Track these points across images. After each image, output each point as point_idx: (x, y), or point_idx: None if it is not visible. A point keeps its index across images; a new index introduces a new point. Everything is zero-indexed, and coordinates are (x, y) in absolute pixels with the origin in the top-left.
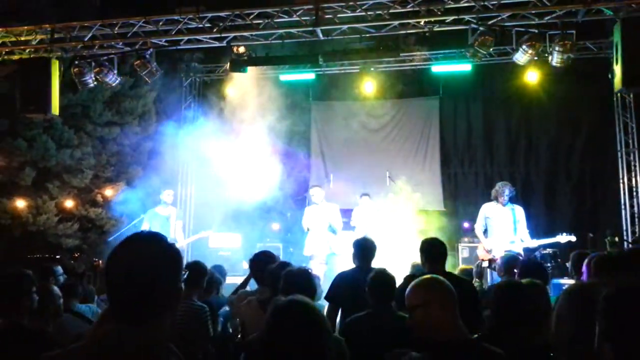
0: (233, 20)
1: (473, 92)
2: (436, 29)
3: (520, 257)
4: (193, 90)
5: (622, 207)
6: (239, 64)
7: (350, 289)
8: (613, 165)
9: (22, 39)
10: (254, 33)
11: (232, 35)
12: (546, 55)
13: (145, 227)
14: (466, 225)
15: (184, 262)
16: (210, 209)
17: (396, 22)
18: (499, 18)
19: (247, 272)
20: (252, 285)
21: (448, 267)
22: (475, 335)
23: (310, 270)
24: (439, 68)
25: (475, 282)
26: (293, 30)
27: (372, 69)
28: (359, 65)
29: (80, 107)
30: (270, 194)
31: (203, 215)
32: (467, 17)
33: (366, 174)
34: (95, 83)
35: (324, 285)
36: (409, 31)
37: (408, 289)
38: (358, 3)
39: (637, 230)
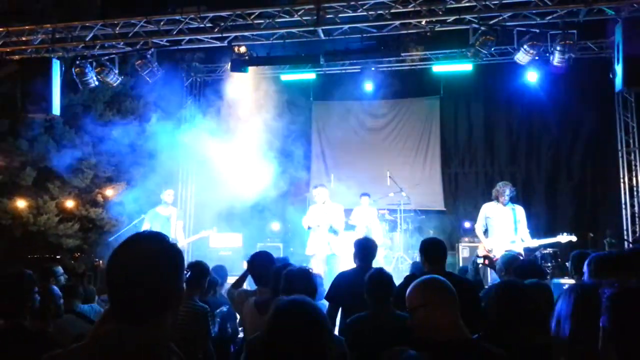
0: (234, 20)
1: (474, 92)
2: (437, 28)
3: (521, 257)
4: (194, 90)
5: (623, 206)
6: (240, 64)
7: (351, 288)
8: (614, 165)
9: (24, 39)
10: (255, 33)
11: (233, 35)
12: (547, 55)
13: (146, 227)
14: (467, 225)
15: (185, 262)
16: (211, 209)
17: (397, 22)
18: (500, 18)
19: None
20: (252, 285)
21: (448, 267)
22: (476, 335)
23: (310, 270)
24: (440, 68)
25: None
26: (294, 30)
27: (373, 68)
28: (359, 65)
29: (81, 107)
30: (271, 194)
31: (203, 215)
32: (468, 17)
33: (367, 173)
34: (96, 83)
35: (324, 285)
36: (410, 31)
37: (409, 289)
38: (359, 3)
39: (637, 229)
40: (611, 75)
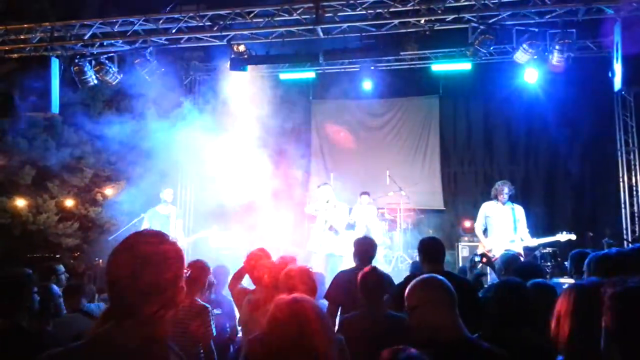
0: (233, 18)
1: (473, 91)
2: (436, 27)
3: (521, 257)
4: (193, 88)
5: (622, 206)
6: (239, 63)
7: (350, 287)
8: (613, 164)
9: (22, 37)
10: (254, 32)
11: (232, 33)
12: (546, 54)
13: (145, 226)
14: (467, 224)
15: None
16: (210, 208)
17: (396, 21)
18: (500, 17)
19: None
20: (252, 286)
21: (447, 266)
22: (476, 335)
23: (310, 269)
24: (439, 67)
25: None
26: (293, 29)
27: (372, 67)
28: (358, 63)
29: (80, 105)
30: (270, 193)
31: (203, 214)
32: (467, 16)
33: (366, 172)
34: (95, 81)
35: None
36: (409, 30)
37: (408, 289)
38: (358, 2)
39: (637, 229)
40: (610, 75)
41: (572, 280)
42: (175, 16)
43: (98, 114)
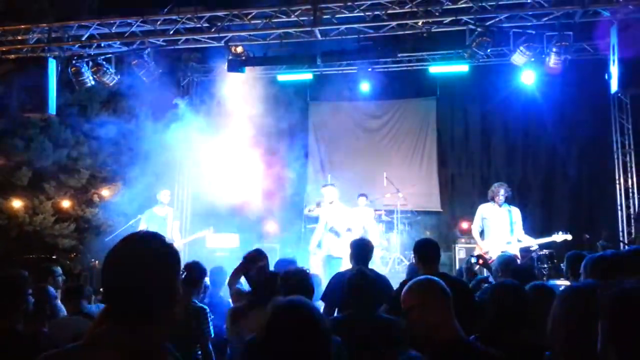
0: (231, 20)
1: (470, 93)
2: (434, 29)
3: (518, 259)
4: (191, 90)
5: (619, 208)
6: (237, 64)
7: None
8: (609, 166)
9: (20, 38)
10: (251, 33)
11: (230, 35)
12: (543, 56)
13: (142, 227)
14: (464, 225)
15: (182, 262)
16: (207, 209)
17: (394, 23)
18: (497, 19)
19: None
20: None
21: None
22: (472, 337)
23: (308, 271)
24: (437, 69)
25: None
26: (291, 31)
27: (369, 69)
28: (356, 65)
29: (77, 106)
30: (267, 195)
31: (200, 216)
32: (464, 18)
33: (363, 174)
34: (92, 83)
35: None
36: (406, 32)
37: (403, 290)
38: (356, 4)
39: (633, 231)
40: (607, 77)
41: (568, 283)
42: (173, 17)
43: (95, 115)
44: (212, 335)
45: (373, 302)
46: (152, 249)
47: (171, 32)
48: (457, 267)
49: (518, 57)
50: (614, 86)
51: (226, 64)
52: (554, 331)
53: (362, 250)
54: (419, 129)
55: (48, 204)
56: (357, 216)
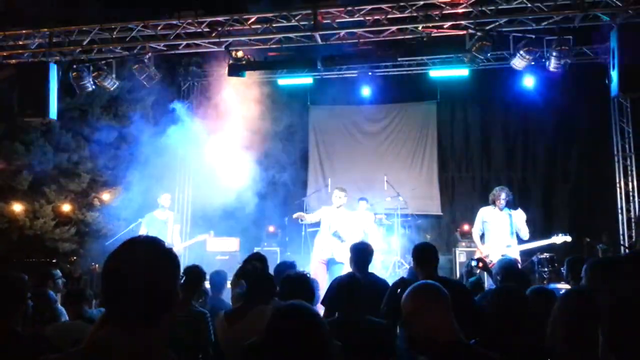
0: (232, 24)
1: (470, 97)
2: (434, 34)
3: (518, 263)
4: (191, 94)
5: (619, 211)
6: (237, 69)
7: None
8: (610, 170)
9: (21, 43)
10: (252, 38)
11: (230, 39)
12: (543, 60)
13: (143, 231)
14: (466, 227)
15: (182, 266)
16: (208, 213)
17: (394, 28)
18: (497, 23)
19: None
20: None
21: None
22: (473, 341)
23: (308, 275)
24: (437, 73)
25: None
26: (291, 35)
27: (369, 73)
28: (356, 69)
29: (78, 111)
30: (267, 198)
31: (200, 219)
32: (464, 23)
33: (364, 178)
34: (93, 87)
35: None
36: (406, 36)
37: (404, 296)
38: (356, 8)
39: (633, 234)
40: (607, 81)
41: (568, 286)
42: (174, 22)
43: (96, 119)
44: (213, 339)
45: (362, 305)
46: (151, 253)
47: (172, 37)
48: (458, 270)
49: (518, 61)
50: (614, 90)
51: (226, 68)
52: (553, 333)
53: (362, 254)
54: (419, 132)
55: (48, 208)
56: (358, 220)
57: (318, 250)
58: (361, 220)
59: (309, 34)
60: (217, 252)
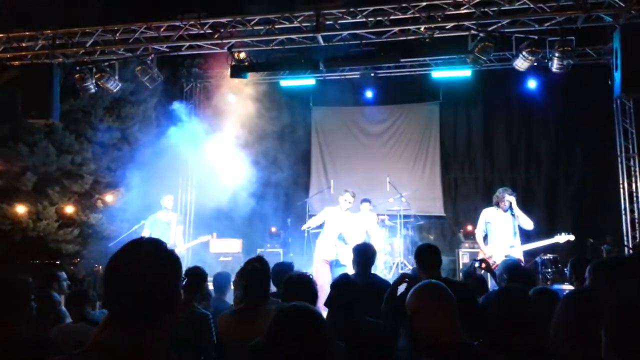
0: (234, 26)
1: (473, 98)
2: (436, 35)
3: (522, 262)
4: (194, 96)
5: (622, 212)
6: (240, 70)
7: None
8: (613, 171)
9: (24, 44)
10: (254, 39)
11: (233, 41)
12: (546, 61)
13: (146, 232)
14: (469, 228)
15: (183, 267)
16: (211, 214)
17: (396, 29)
18: (499, 24)
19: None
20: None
21: (449, 273)
22: (476, 342)
23: (310, 276)
24: (439, 74)
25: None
26: (294, 37)
27: (372, 74)
28: (359, 71)
29: (81, 112)
30: (270, 200)
31: (203, 221)
32: (467, 24)
33: (366, 179)
34: (96, 89)
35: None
36: (409, 37)
37: (408, 295)
38: (359, 9)
39: (637, 235)
40: (609, 82)
41: (572, 287)
42: (176, 24)
43: (99, 121)
44: (215, 340)
45: (358, 306)
46: (153, 255)
47: (174, 39)
48: (461, 269)
49: (521, 62)
50: (617, 90)
51: (229, 69)
52: (556, 334)
53: (364, 255)
54: (422, 133)
55: (52, 210)
56: (361, 222)
57: (321, 251)
58: (364, 221)
59: (311, 35)
60: (220, 254)
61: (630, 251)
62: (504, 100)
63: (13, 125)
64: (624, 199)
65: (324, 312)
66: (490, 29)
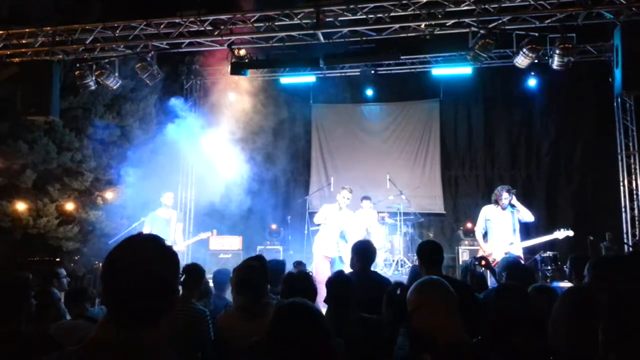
0: (234, 23)
1: (474, 95)
2: (437, 32)
3: (521, 259)
4: (194, 92)
5: (623, 210)
6: (240, 67)
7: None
8: (613, 168)
9: (24, 41)
10: (254, 36)
11: (233, 38)
12: (546, 58)
13: (146, 229)
14: (469, 226)
15: (182, 264)
16: (210, 212)
17: (397, 25)
18: (500, 21)
19: None
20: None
21: (449, 270)
22: (475, 340)
23: (310, 273)
24: (440, 71)
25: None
26: (294, 33)
27: (372, 71)
28: (359, 68)
29: (81, 109)
30: (270, 197)
31: (203, 218)
32: (467, 21)
33: (366, 176)
34: (96, 86)
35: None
36: (409, 34)
37: (409, 292)
38: (359, 6)
39: (637, 233)
40: (610, 79)
41: (571, 284)
42: (176, 21)
43: (99, 118)
44: (213, 338)
45: (350, 302)
46: (150, 251)
47: (174, 35)
48: (460, 267)
49: (521, 59)
50: (617, 88)
51: (229, 67)
52: (555, 331)
53: (364, 252)
54: (422, 131)
55: (52, 207)
56: (361, 219)
57: (320, 247)
58: (365, 219)
59: (311, 32)
60: (220, 251)
61: (630, 249)
62: (504, 98)
63: (13, 122)
64: (624, 196)
65: (324, 309)
66: (490, 26)
